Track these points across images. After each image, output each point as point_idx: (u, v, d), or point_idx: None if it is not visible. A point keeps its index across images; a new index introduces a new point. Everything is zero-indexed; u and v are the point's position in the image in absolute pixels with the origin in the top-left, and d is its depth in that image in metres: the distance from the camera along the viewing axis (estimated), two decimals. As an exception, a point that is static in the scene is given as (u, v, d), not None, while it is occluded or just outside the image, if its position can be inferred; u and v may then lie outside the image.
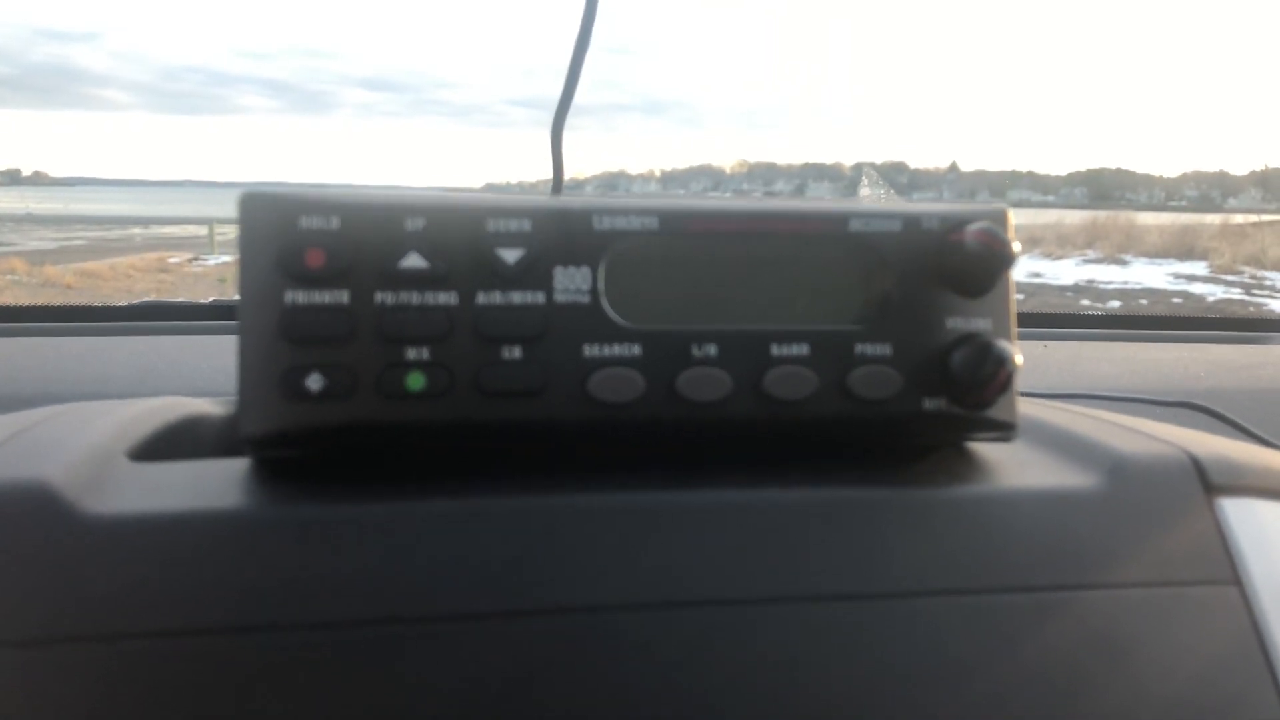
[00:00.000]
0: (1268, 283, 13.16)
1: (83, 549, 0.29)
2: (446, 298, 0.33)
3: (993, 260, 0.35)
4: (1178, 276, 13.45)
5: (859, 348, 0.35)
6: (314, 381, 0.32)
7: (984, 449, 0.39)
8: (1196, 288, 12.37)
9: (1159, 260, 15.71)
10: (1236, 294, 11.80)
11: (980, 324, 0.36)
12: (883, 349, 0.35)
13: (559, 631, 0.30)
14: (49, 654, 0.28)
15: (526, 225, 0.33)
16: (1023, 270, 13.64)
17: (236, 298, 0.33)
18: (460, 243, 0.33)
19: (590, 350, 0.33)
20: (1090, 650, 0.33)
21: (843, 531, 0.33)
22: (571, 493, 0.33)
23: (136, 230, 22.50)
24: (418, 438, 0.33)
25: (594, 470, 0.34)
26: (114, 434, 0.37)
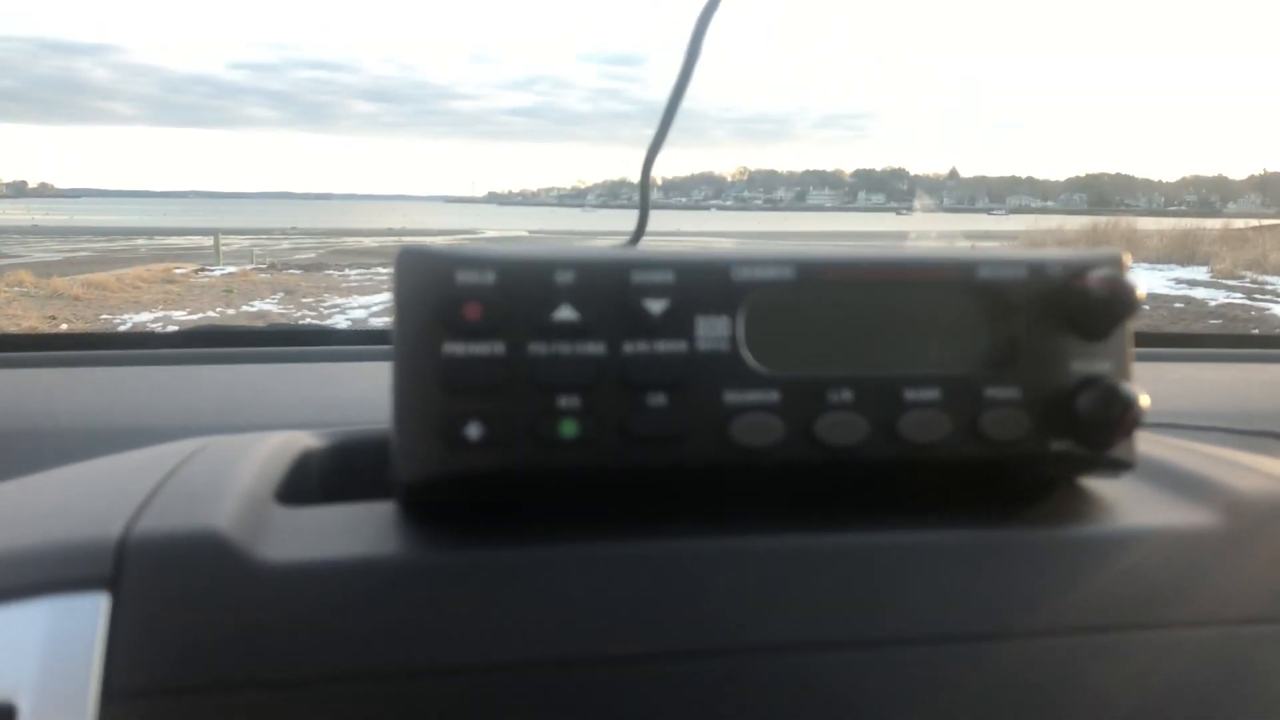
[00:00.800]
0: (1269, 287, 13.14)
1: (259, 595, 0.30)
2: (595, 347, 0.34)
3: (1118, 305, 0.36)
4: (1179, 281, 13.45)
5: (988, 391, 0.36)
6: (473, 430, 0.33)
7: (1100, 486, 0.40)
8: (1198, 293, 12.37)
9: (1160, 266, 15.71)
10: (1238, 299, 11.79)
11: (1102, 366, 0.37)
12: (1012, 392, 0.36)
13: (712, 672, 0.31)
14: (233, 698, 0.29)
15: (670, 277, 0.34)
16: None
17: (387, 341, 0.34)
18: (608, 294, 0.34)
19: (731, 396, 0.34)
20: (1218, 684, 0.34)
21: (982, 571, 0.34)
22: (719, 537, 0.34)
23: (142, 241, 22.56)
24: (568, 482, 0.34)
25: (729, 513, 0.35)
26: (257, 476, 0.38)
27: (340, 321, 9.08)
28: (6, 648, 0.29)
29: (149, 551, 0.31)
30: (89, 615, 0.29)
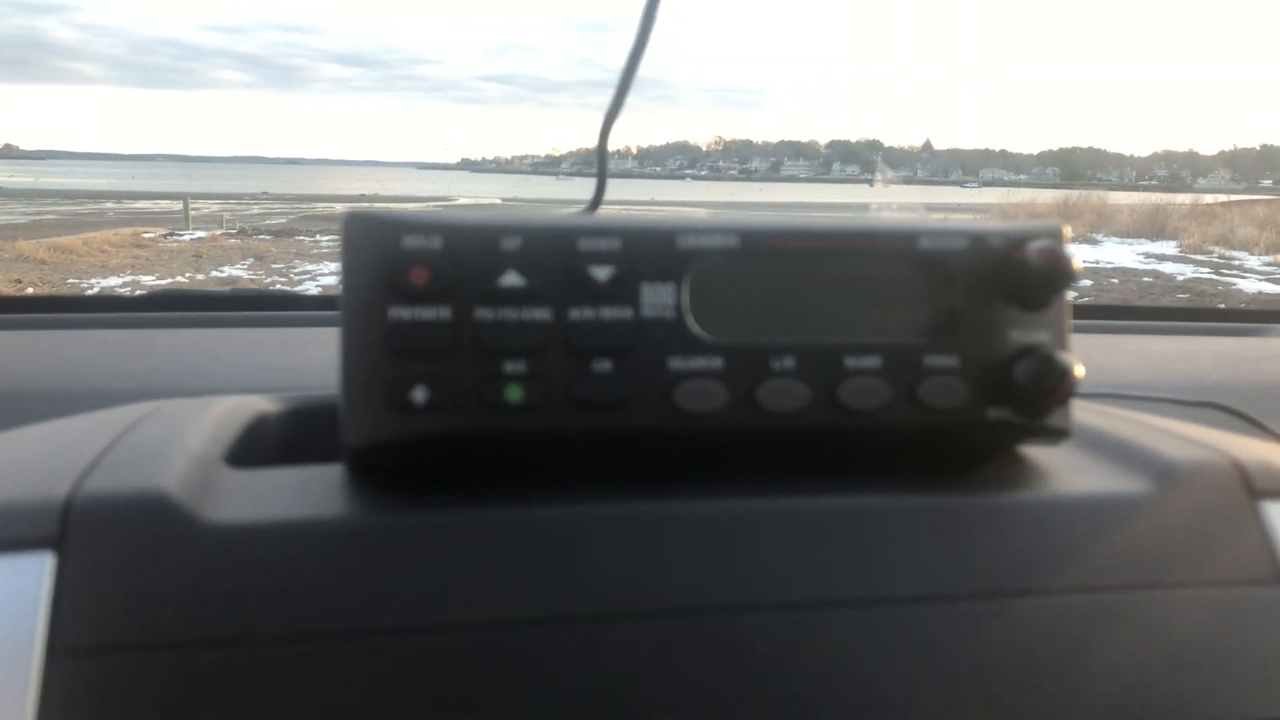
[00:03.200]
0: (1235, 262, 13.29)
1: (204, 556, 0.31)
2: (541, 313, 0.34)
3: (1056, 277, 0.37)
4: (1148, 256, 13.57)
5: (928, 359, 0.37)
6: (418, 394, 0.33)
7: (1038, 454, 0.40)
8: (1167, 267, 12.49)
9: (1130, 240, 15.84)
10: (1205, 273, 11.92)
11: (1040, 336, 0.38)
12: (950, 361, 0.37)
13: (651, 635, 0.32)
14: (178, 657, 0.29)
15: (616, 244, 0.35)
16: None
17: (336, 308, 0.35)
18: (554, 261, 0.34)
19: (675, 363, 0.35)
20: (1150, 648, 0.35)
21: (920, 536, 0.35)
22: (662, 500, 0.34)
23: (110, 204, 22.23)
24: (514, 447, 0.34)
25: (674, 479, 0.36)
26: (207, 439, 0.38)
27: (311, 288, 9.01)
28: None
29: (95, 512, 0.31)
30: (34, 574, 0.30)
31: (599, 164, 0.54)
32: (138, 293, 1.00)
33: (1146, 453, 0.40)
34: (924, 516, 0.35)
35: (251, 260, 10.76)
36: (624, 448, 0.35)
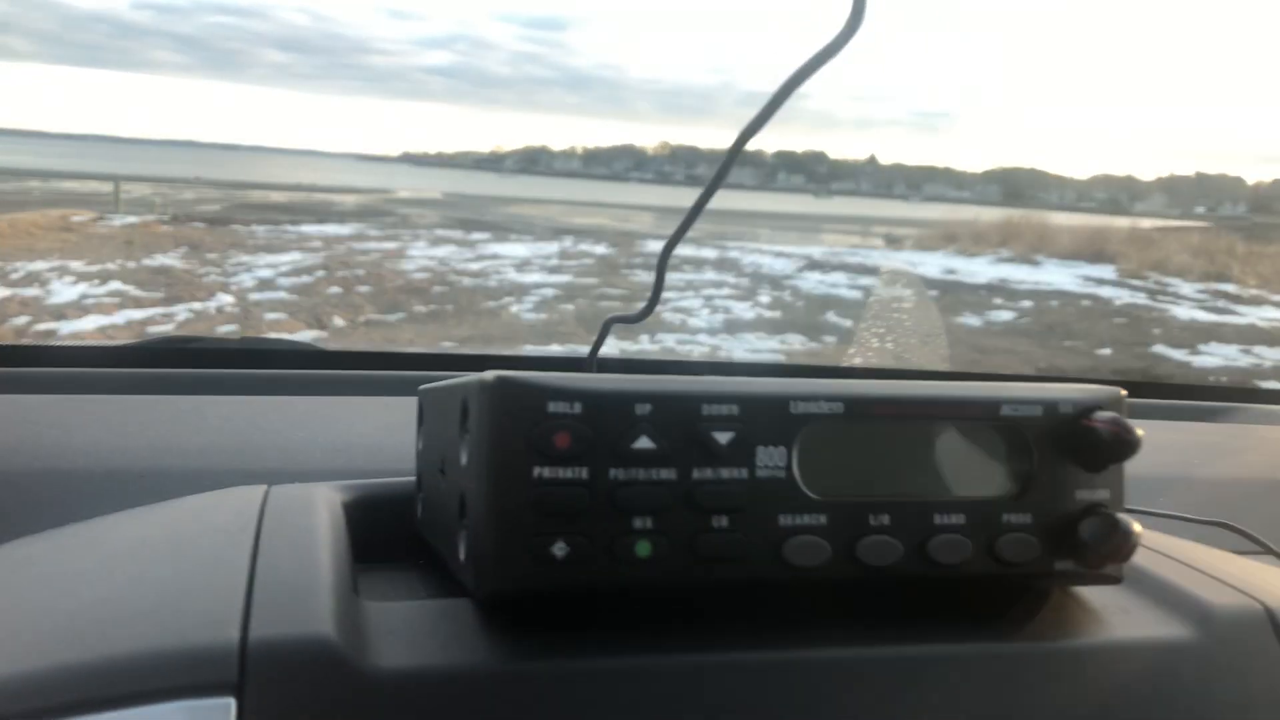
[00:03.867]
0: (1170, 288, 13.66)
1: (370, 703, 0.34)
2: (668, 474, 0.37)
3: (1119, 446, 0.41)
4: (1087, 279, 13.90)
5: (1005, 517, 0.41)
6: (559, 549, 0.36)
7: (1088, 595, 0.45)
8: (1105, 291, 12.80)
9: (1070, 262, 16.21)
10: (1142, 299, 12.24)
11: (1101, 494, 0.42)
12: (1025, 518, 0.41)
13: None
14: None
15: (735, 410, 0.38)
16: (937, 267, 13.98)
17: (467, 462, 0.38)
18: (681, 426, 0.37)
19: (785, 520, 0.38)
20: None
21: (994, 682, 0.39)
22: (773, 650, 0.38)
23: (35, 183, 21.65)
24: (641, 596, 0.38)
25: (782, 626, 0.39)
26: (332, 565, 0.41)
27: (246, 280, 8.88)
28: None
29: (267, 658, 0.34)
30: (220, 718, 0.32)
31: (657, 279, 0.58)
32: (68, 279, 0.95)
33: (1188, 598, 0.44)
34: (995, 662, 0.39)
35: (185, 249, 10.57)
36: (740, 597, 0.39)
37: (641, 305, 0.58)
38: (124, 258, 9.57)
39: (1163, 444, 0.86)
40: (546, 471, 0.36)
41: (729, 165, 0.51)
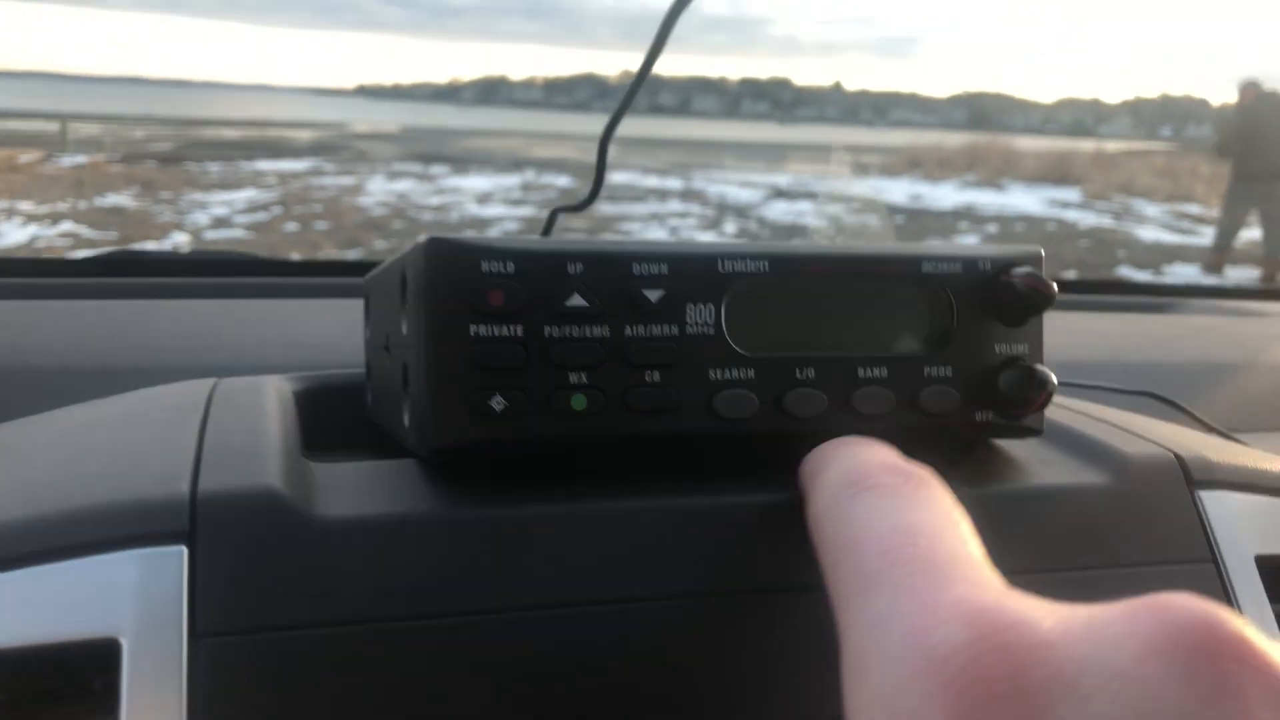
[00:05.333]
0: (1135, 210, 13.77)
1: (317, 549, 0.35)
2: (601, 330, 0.39)
3: (1036, 299, 0.42)
4: (1053, 203, 13.98)
5: (927, 370, 0.42)
6: (497, 402, 0.38)
7: (1012, 447, 0.47)
8: (1070, 214, 12.88)
9: (1035, 186, 16.29)
10: (1107, 221, 12.33)
11: (1020, 348, 0.44)
12: (946, 370, 0.42)
13: (707, 611, 0.38)
14: (300, 637, 0.34)
15: (665, 269, 0.39)
16: (903, 193, 14.00)
17: (407, 328, 0.39)
18: (612, 284, 0.39)
19: (715, 374, 0.40)
20: None
21: None
22: (710, 495, 0.39)
23: (-25, 121, 21.13)
24: (577, 448, 0.39)
25: (718, 477, 0.41)
26: (283, 430, 0.42)
27: (201, 218, 8.77)
28: (107, 590, 0.33)
29: (217, 508, 0.35)
30: (173, 565, 0.34)
31: (598, 164, 0.59)
32: (15, 219, 0.97)
33: (1106, 449, 0.46)
34: None
35: (138, 188, 10.40)
36: (672, 448, 0.40)
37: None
38: (75, 198, 9.38)
39: (1104, 332, 0.89)
40: (483, 329, 0.38)
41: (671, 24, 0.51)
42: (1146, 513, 0.44)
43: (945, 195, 14.16)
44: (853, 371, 0.42)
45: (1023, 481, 0.44)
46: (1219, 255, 8.64)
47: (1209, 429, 0.59)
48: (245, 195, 10.43)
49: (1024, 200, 13.90)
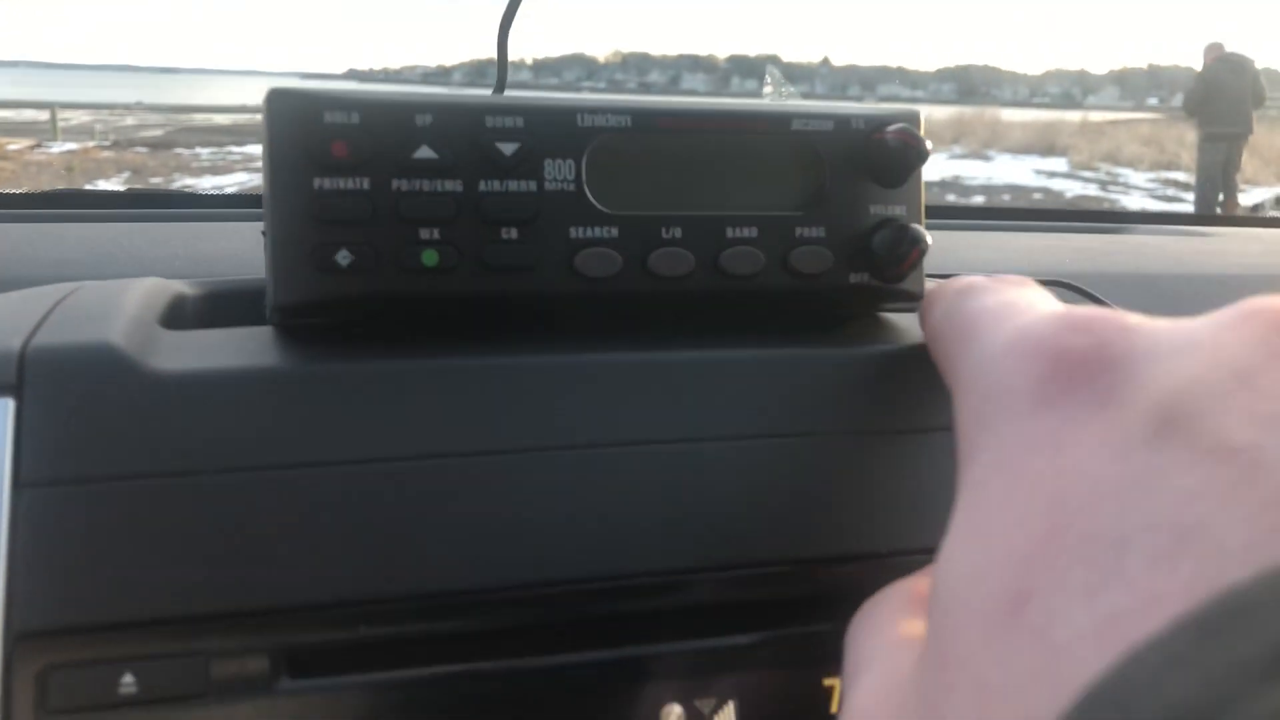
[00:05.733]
0: (1121, 179, 13.76)
1: (151, 400, 0.34)
2: (453, 185, 0.38)
3: (910, 155, 0.41)
4: (1039, 172, 13.96)
5: (798, 230, 0.41)
6: (342, 257, 0.37)
7: (894, 318, 0.46)
8: (1056, 183, 12.87)
9: (1022, 156, 16.27)
10: (1093, 190, 12.33)
11: (897, 210, 0.43)
12: (818, 231, 0.42)
13: (551, 464, 0.37)
14: (129, 488, 0.33)
15: (520, 122, 0.38)
16: (892, 165, 13.96)
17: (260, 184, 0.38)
18: (464, 137, 0.38)
19: (575, 232, 0.39)
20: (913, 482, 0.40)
21: (777, 380, 0.40)
22: (564, 354, 0.39)
23: (-36, 112, 21.05)
24: (430, 307, 0.38)
25: (576, 336, 0.40)
26: (140, 305, 0.41)
27: (197, 202, 8.70)
28: None
29: (48, 361, 0.34)
30: None
31: (499, 52, 0.57)
32: (25, 191, 0.97)
33: None
34: (798, 365, 0.40)
35: (128, 174, 10.35)
36: (532, 309, 0.40)
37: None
38: (65, 184, 9.34)
39: (1037, 248, 0.88)
40: (327, 182, 0.37)
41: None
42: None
43: (933, 166, 14.09)
44: (721, 231, 0.41)
45: (905, 340, 0.43)
46: (1206, 211, 8.84)
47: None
48: (235, 179, 10.38)
49: (1011, 170, 13.88)
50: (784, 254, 0.41)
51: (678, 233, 0.40)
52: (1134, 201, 11.31)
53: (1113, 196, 11.72)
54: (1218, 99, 8.30)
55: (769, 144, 0.42)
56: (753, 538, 0.38)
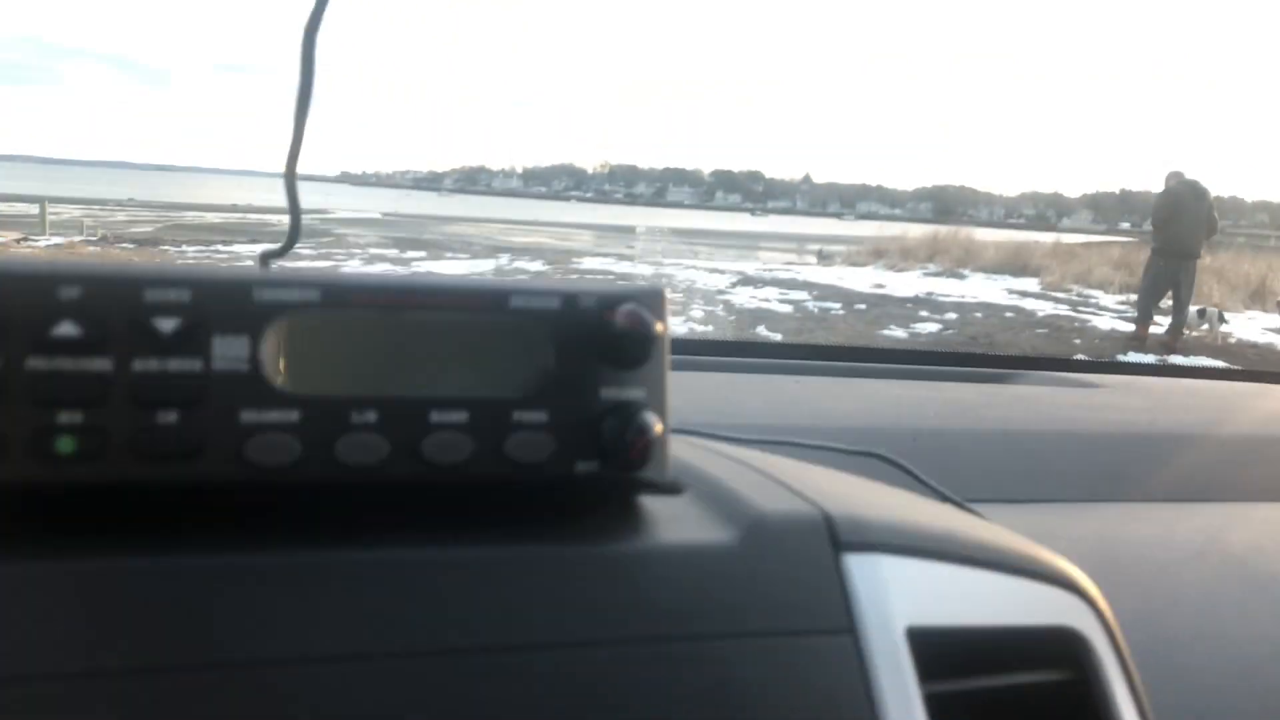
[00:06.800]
0: (1092, 300, 13.93)
1: None
2: (102, 364, 0.34)
3: (641, 337, 0.38)
4: (1012, 292, 14.11)
5: (516, 415, 0.38)
6: None
7: (647, 503, 0.42)
8: (1028, 303, 13.01)
9: (995, 275, 16.47)
10: (1064, 310, 12.46)
11: (634, 393, 0.39)
12: (538, 416, 0.38)
13: (213, 686, 0.32)
14: None
15: (186, 296, 0.35)
16: (867, 282, 14.12)
17: None
18: (117, 311, 0.34)
19: (248, 416, 0.35)
20: (712, 698, 0.36)
21: (488, 586, 0.35)
22: (222, 554, 0.34)
23: (-45, 205, 21.19)
24: (74, 498, 0.34)
25: (254, 527, 0.36)
26: None
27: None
28: None
29: None
30: None
31: (290, 203, 0.54)
32: None
33: (743, 503, 0.41)
34: (499, 565, 0.36)
35: (110, 270, 10.36)
36: (197, 500, 0.35)
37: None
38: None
39: (905, 399, 0.85)
40: None
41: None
42: (780, 576, 0.39)
43: (907, 283, 14.26)
44: (423, 415, 0.37)
45: (635, 540, 0.39)
46: (1142, 326, 9.39)
47: (933, 492, 0.54)
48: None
49: (984, 289, 14.02)
50: (499, 441, 0.37)
51: (371, 417, 0.36)
52: (1104, 323, 11.40)
53: (1084, 317, 11.82)
54: (1178, 219, 8.67)
55: (485, 321, 0.38)
56: None
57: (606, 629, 0.36)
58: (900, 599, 0.40)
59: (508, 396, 0.38)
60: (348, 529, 0.36)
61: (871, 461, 0.56)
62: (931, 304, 12.09)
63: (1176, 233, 8.68)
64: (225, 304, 0.35)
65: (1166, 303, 9.27)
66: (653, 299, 0.39)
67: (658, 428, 0.38)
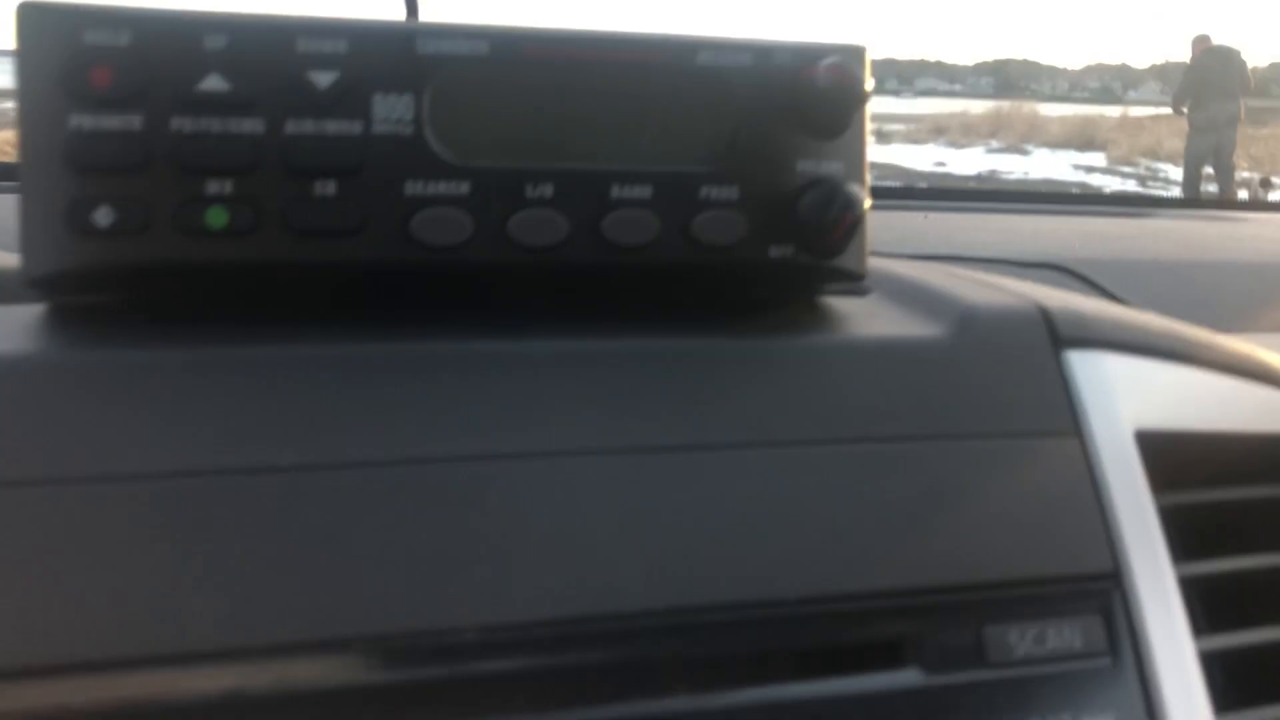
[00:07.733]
0: (1161, 174, 13.49)
1: None
2: (252, 125, 0.30)
3: (844, 98, 0.33)
4: (1077, 167, 13.71)
5: (704, 191, 0.33)
6: (103, 216, 0.29)
7: (834, 302, 0.38)
8: (1095, 178, 12.64)
9: (1059, 150, 16.00)
10: (1132, 185, 12.10)
11: (832, 167, 0.34)
12: (728, 192, 0.33)
13: (372, 485, 0.29)
14: None
15: (342, 46, 0.30)
16: (928, 159, 13.77)
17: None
18: (267, 64, 0.30)
19: (413, 187, 0.31)
20: (928, 501, 0.32)
21: (681, 381, 0.32)
22: (393, 341, 0.31)
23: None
24: (220, 279, 0.30)
25: (419, 316, 0.32)
26: None
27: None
28: None
29: None
30: None
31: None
32: None
33: (948, 298, 0.37)
34: (689, 360, 0.32)
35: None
36: (355, 283, 0.32)
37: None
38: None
39: (1044, 231, 0.80)
40: (86, 120, 0.29)
41: None
42: (997, 374, 0.35)
43: (970, 160, 13.88)
44: (603, 189, 0.33)
45: (835, 334, 0.35)
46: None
47: (1115, 300, 0.49)
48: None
49: (1049, 164, 13.61)
50: (684, 220, 0.33)
51: (547, 191, 0.32)
52: (1175, 196, 11.05)
53: (1152, 191, 11.45)
54: (1207, 91, 8.29)
55: (668, 81, 0.33)
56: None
57: (812, 428, 0.32)
58: (1128, 400, 0.36)
59: (695, 170, 0.33)
60: (522, 318, 0.33)
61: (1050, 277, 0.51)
62: (995, 181, 11.77)
63: (1205, 107, 8.34)
64: (386, 55, 0.31)
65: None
66: (856, 56, 0.34)
67: (867, 203, 0.33)
